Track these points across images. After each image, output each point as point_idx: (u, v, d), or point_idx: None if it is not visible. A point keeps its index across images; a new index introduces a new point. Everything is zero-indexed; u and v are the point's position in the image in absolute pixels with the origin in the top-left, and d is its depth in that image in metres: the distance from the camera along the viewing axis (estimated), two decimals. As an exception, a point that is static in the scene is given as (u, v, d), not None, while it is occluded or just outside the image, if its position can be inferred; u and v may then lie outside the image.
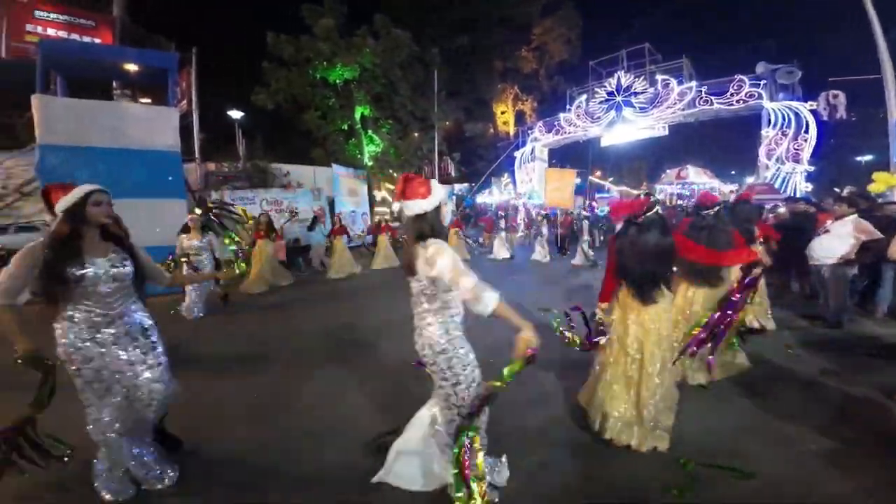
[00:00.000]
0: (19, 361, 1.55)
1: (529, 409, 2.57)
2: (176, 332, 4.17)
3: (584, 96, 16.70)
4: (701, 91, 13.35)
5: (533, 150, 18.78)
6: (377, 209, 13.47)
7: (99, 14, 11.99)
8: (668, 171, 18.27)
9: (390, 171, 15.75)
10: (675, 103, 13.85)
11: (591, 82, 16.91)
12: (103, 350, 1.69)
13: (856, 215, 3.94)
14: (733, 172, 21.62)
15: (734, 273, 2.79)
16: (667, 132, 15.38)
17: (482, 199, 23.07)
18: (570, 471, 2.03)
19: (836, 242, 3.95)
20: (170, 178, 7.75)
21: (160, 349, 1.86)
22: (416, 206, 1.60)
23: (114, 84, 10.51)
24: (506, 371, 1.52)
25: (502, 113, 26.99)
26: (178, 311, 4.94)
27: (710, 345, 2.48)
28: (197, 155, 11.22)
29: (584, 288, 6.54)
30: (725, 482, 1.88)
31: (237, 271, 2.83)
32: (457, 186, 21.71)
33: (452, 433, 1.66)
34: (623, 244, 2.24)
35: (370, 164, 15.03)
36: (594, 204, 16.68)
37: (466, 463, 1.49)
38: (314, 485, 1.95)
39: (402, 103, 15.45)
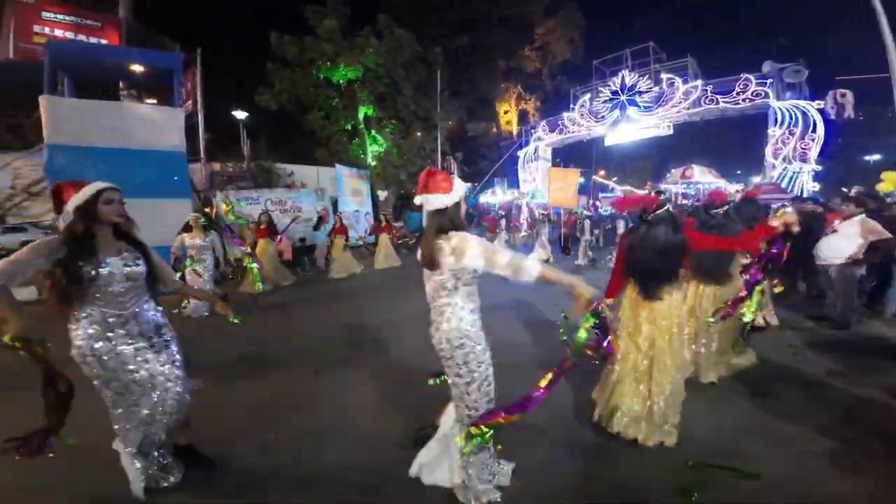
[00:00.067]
0: (6, 343, 1.50)
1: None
2: (181, 331, 4.16)
3: (588, 95, 16.64)
4: (706, 90, 13.26)
5: (536, 149, 18.74)
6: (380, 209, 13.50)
7: (105, 15, 12.11)
8: (672, 170, 18.14)
9: (393, 170, 15.78)
10: (681, 102, 13.76)
11: (594, 81, 16.85)
12: (118, 350, 1.69)
13: (864, 215, 3.89)
14: (739, 172, 21.45)
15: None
16: (671, 131, 15.28)
17: (485, 198, 23.05)
18: (572, 470, 2.02)
19: (843, 242, 3.90)
20: (175, 178, 7.81)
21: (174, 348, 1.86)
22: (437, 201, 1.60)
23: (120, 85, 10.61)
24: (579, 336, 1.57)
25: (505, 112, 26.93)
26: (184, 310, 4.98)
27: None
28: (202, 155, 11.30)
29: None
30: (726, 482, 1.86)
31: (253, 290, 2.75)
32: (460, 186, 21.64)
33: (463, 433, 1.68)
34: (633, 240, 2.25)
35: (373, 164, 15.06)
36: (598, 203, 16.60)
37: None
38: (314, 485, 1.95)
39: (405, 103, 15.46)
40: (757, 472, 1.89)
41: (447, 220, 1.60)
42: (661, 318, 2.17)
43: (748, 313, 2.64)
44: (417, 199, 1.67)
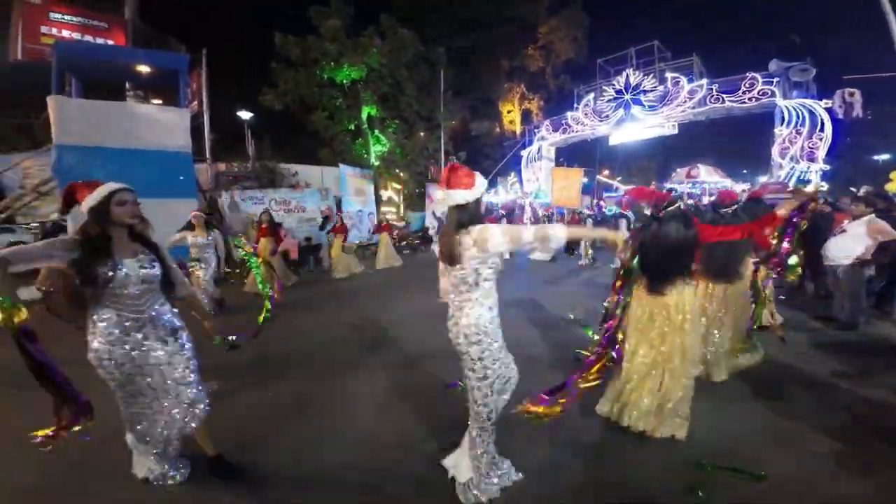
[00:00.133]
0: None
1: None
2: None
3: (592, 95, 16.54)
4: (712, 89, 13.13)
5: (540, 148, 18.65)
6: (383, 209, 13.51)
7: (111, 16, 12.21)
8: (678, 169, 17.98)
9: (396, 170, 15.81)
10: (686, 101, 13.64)
11: (598, 80, 16.74)
12: (134, 353, 1.68)
13: (873, 215, 3.84)
14: (745, 171, 21.22)
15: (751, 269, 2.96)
16: (676, 130, 15.15)
17: (488, 198, 22.98)
18: (578, 470, 2.01)
19: (851, 242, 3.85)
20: (181, 178, 7.88)
21: (189, 352, 1.84)
22: (459, 196, 1.62)
23: (126, 85, 10.70)
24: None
25: (508, 112, 26.83)
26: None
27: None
28: (208, 155, 11.37)
29: (586, 285, 6.48)
30: (731, 483, 1.85)
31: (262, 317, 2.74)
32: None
33: (477, 433, 1.72)
34: (645, 237, 2.27)
35: (377, 163, 15.09)
36: (602, 203, 16.50)
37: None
38: (314, 485, 1.95)
39: (408, 103, 15.48)
40: (762, 473, 1.87)
41: (468, 216, 1.62)
42: (676, 313, 2.19)
43: (761, 314, 2.74)
44: (439, 194, 1.70)
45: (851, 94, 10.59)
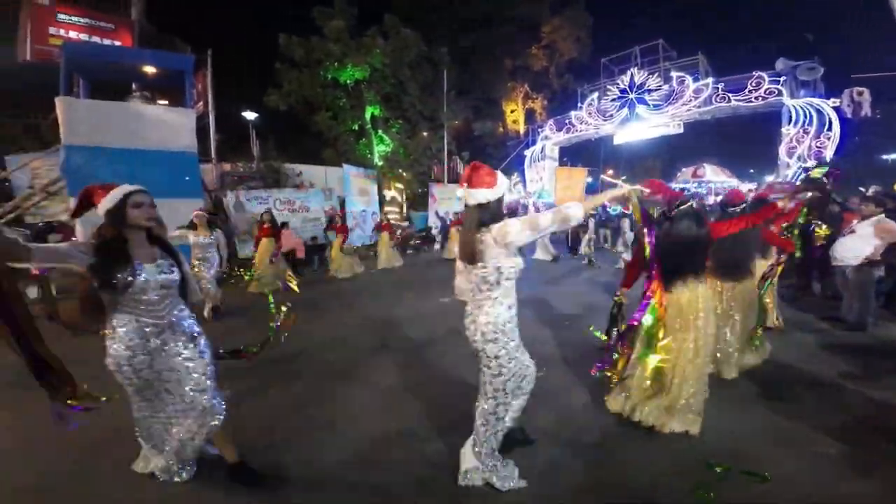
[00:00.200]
0: None
1: (537, 408, 2.52)
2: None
3: (596, 94, 16.45)
4: (718, 88, 13.02)
5: (543, 148, 18.59)
6: (386, 208, 13.52)
7: (118, 17, 12.33)
8: (683, 169, 17.85)
9: (400, 170, 15.81)
10: (691, 100, 13.54)
11: (602, 79, 16.65)
12: (153, 359, 1.68)
13: (882, 215, 3.79)
14: (752, 171, 21.00)
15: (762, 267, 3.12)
16: (681, 130, 15.03)
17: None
18: (580, 471, 1.99)
19: (860, 243, 3.81)
20: (187, 179, 7.93)
21: (207, 358, 1.81)
22: (480, 195, 1.62)
23: (133, 86, 10.80)
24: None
25: (512, 111, 26.75)
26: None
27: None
28: (213, 155, 11.45)
29: (588, 284, 6.44)
30: (735, 482, 1.83)
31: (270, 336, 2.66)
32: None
33: (482, 423, 1.74)
34: (658, 234, 2.29)
35: (380, 163, 15.11)
36: (606, 203, 16.42)
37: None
38: (315, 485, 1.95)
39: (411, 103, 15.48)
40: (766, 474, 1.85)
41: (488, 215, 1.63)
42: (689, 311, 2.20)
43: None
44: (459, 193, 1.69)
45: (860, 93, 10.46)
